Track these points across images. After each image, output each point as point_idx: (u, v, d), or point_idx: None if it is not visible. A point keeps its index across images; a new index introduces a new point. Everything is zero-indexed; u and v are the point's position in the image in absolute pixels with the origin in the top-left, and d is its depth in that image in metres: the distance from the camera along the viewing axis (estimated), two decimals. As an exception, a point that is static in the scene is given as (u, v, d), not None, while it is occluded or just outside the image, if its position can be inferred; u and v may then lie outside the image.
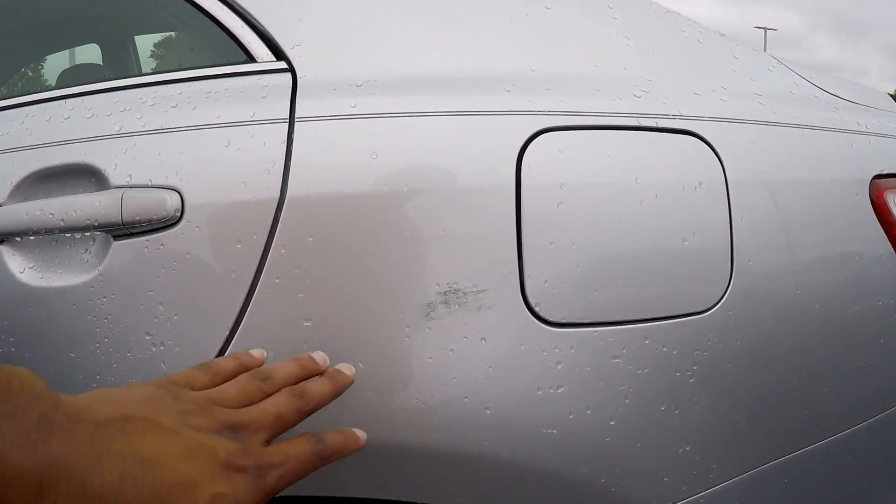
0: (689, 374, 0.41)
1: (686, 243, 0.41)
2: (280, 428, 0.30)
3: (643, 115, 0.42)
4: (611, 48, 0.46)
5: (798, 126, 0.48)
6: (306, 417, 0.31)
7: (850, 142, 0.52)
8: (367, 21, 0.45)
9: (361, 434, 0.33)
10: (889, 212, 0.52)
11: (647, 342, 0.40)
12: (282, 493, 0.30)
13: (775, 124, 0.47)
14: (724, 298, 0.42)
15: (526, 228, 0.38)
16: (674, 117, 0.43)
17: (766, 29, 31.41)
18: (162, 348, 0.40)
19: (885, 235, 0.51)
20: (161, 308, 0.40)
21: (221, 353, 0.39)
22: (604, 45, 0.47)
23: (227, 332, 0.39)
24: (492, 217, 0.38)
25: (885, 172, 0.53)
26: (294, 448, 0.29)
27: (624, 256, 0.40)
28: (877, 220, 0.51)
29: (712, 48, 0.52)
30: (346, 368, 0.35)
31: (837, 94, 0.57)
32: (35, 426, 0.22)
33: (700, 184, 0.42)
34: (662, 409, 0.41)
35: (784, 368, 0.46)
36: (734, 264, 0.42)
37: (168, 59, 0.53)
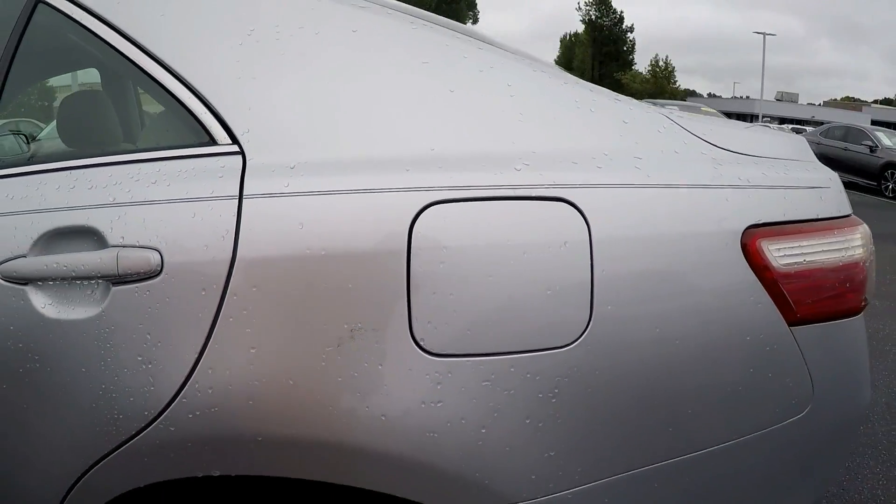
0: (551, 395, 0.55)
1: (549, 293, 0.53)
2: None
3: (520, 186, 0.55)
4: (504, 125, 0.59)
5: (669, 186, 0.59)
6: None
7: (725, 196, 0.62)
8: (303, 111, 0.58)
9: None
10: (761, 256, 0.62)
11: (512, 370, 0.53)
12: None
13: (646, 186, 0.58)
14: (584, 336, 0.55)
15: (414, 282, 0.52)
16: (548, 187, 0.55)
17: (764, 34, 32.11)
18: (149, 366, 0.56)
19: (756, 278, 0.62)
20: (148, 337, 0.56)
21: (193, 369, 0.55)
22: (498, 123, 0.59)
23: (196, 355, 0.55)
24: (387, 274, 0.52)
25: (758, 223, 0.62)
26: None
27: (494, 303, 0.53)
28: (747, 266, 0.61)
29: (603, 116, 0.63)
30: None
31: (728, 148, 0.67)
32: None
33: (565, 243, 0.54)
34: (527, 422, 0.54)
35: (646, 393, 0.59)
36: (594, 310, 0.55)
37: (150, 132, 0.67)
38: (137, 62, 0.61)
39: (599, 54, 44.18)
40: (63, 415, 0.58)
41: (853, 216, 0.77)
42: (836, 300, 0.71)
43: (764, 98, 39.12)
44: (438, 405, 0.54)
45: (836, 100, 55.75)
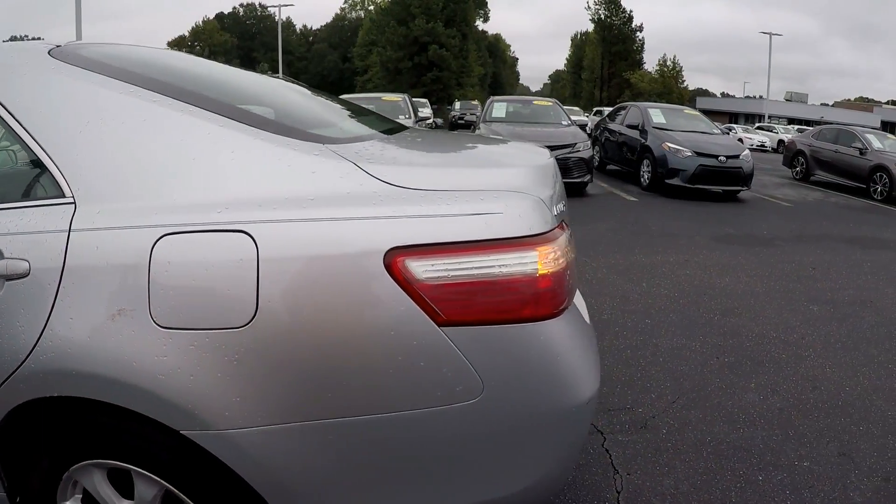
0: (234, 359, 0.91)
1: (229, 290, 0.89)
2: None
3: (216, 223, 0.92)
4: (218, 182, 0.96)
5: (327, 219, 0.92)
6: None
7: (375, 225, 0.92)
8: (108, 177, 0.99)
9: None
10: (402, 271, 0.91)
11: (207, 340, 0.90)
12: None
13: (309, 220, 0.91)
14: (253, 322, 0.89)
15: (151, 283, 0.92)
16: (234, 223, 0.91)
17: (770, 34, 35.38)
18: (22, 328, 0.98)
19: (399, 288, 0.90)
20: (22, 311, 1.00)
21: (43, 330, 0.96)
22: (215, 181, 0.96)
23: (45, 322, 0.98)
24: (138, 277, 0.93)
25: (402, 245, 0.91)
26: None
27: (196, 296, 0.92)
28: (390, 277, 0.90)
29: (295, 170, 0.97)
30: None
31: (405, 186, 0.96)
32: None
33: (240, 259, 0.89)
34: (219, 375, 0.89)
35: (308, 366, 0.92)
36: (259, 303, 0.89)
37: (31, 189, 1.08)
38: (30, 146, 1.05)
39: (609, 53, 45.20)
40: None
41: (543, 235, 0.97)
42: (501, 308, 0.93)
43: (774, 98, 39.30)
44: (165, 358, 0.91)
45: (848, 100, 52.96)
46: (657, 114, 8.94)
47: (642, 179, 8.45)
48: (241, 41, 59.57)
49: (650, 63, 48.56)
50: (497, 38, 58.80)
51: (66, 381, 0.97)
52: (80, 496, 1.10)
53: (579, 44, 52.11)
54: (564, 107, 9.46)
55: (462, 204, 0.95)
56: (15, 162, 1.11)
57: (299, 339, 0.90)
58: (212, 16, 61.94)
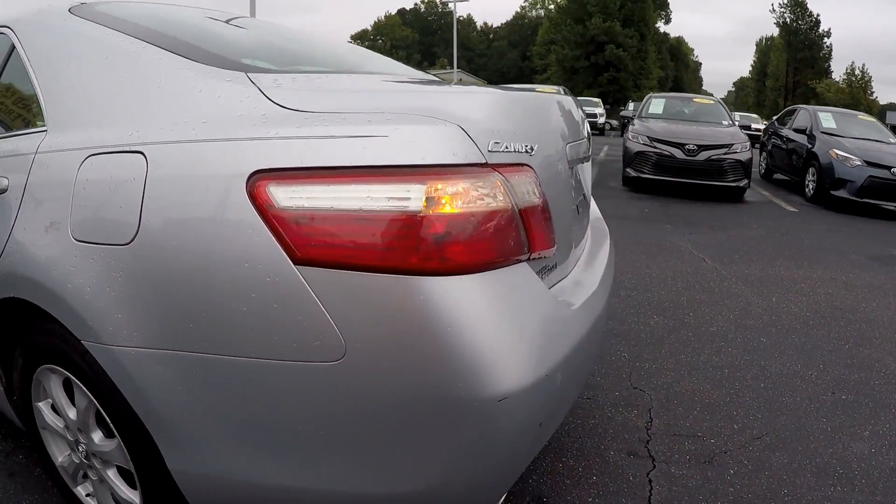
0: (119, 275, 0.96)
1: (121, 207, 0.94)
2: None
3: (124, 145, 0.97)
4: (147, 109, 0.99)
5: (208, 140, 0.90)
6: None
7: (244, 146, 0.85)
8: (71, 112, 1.11)
9: None
10: (262, 196, 0.82)
11: (102, 254, 0.96)
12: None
13: (193, 141, 0.92)
14: (136, 238, 0.93)
15: (74, 199, 1.02)
16: (132, 144, 0.96)
17: None
18: None
19: (257, 215, 0.81)
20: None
21: (9, 236, 1.10)
22: (142, 107, 0.99)
23: (10, 229, 1.12)
24: (63, 194, 1.03)
25: (266, 168, 0.82)
26: None
27: (98, 215, 0.97)
28: (249, 203, 0.81)
29: (204, 96, 0.97)
30: None
31: (292, 107, 0.88)
32: None
33: (133, 178, 0.93)
34: (107, 289, 0.95)
35: (173, 292, 0.89)
36: (141, 222, 0.92)
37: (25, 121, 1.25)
38: (34, 85, 1.23)
39: (794, 60, 41.00)
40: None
41: (447, 167, 0.78)
42: (372, 251, 0.76)
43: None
44: (73, 269, 0.99)
45: None
46: (827, 118, 7.94)
47: (807, 189, 7.36)
48: (422, 37, 61.93)
49: (837, 72, 46.23)
50: (679, 40, 56.09)
51: (16, 284, 1.10)
52: (51, 402, 1.23)
53: (764, 49, 48.99)
54: (743, 113, 8.65)
55: (344, 126, 0.83)
56: (24, 99, 1.31)
57: (168, 262, 0.89)
58: (394, 11, 65.72)
